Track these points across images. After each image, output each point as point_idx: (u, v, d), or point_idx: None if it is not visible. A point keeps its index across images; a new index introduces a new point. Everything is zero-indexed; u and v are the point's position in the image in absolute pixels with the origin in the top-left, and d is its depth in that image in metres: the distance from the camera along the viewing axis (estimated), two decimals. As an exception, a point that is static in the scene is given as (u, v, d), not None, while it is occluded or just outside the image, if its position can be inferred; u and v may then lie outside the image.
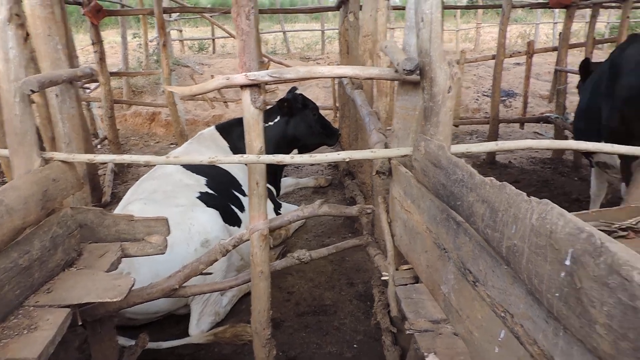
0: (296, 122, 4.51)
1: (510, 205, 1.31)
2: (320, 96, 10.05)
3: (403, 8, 10.09)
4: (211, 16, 11.30)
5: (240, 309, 3.38)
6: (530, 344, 1.25)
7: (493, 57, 6.04)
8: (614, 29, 14.96)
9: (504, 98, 9.77)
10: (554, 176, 5.94)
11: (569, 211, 2.34)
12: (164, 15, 6.13)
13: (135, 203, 3.22)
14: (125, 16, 10.67)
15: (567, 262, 1.06)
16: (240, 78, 2.04)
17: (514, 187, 1.35)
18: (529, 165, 6.46)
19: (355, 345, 3.00)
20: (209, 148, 4.09)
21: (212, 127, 4.46)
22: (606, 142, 2.92)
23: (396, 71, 1.92)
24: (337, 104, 6.61)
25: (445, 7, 6.20)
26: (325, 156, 2.03)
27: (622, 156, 2.90)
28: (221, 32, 12.91)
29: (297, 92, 4.66)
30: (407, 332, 1.74)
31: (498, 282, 1.39)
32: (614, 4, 7.53)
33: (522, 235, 1.24)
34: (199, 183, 3.64)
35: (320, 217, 4.93)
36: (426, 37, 1.74)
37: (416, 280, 2.13)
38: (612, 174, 3.56)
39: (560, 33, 5.93)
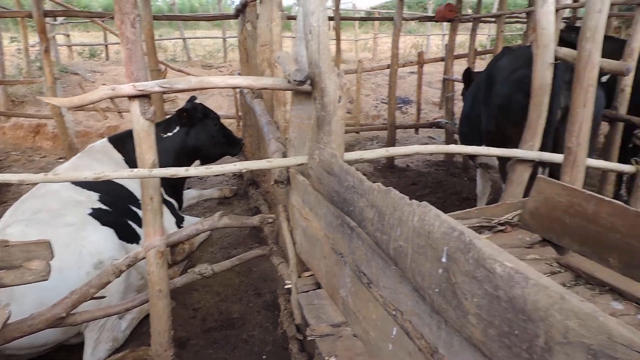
0: (197, 132, 4.39)
1: (395, 209, 1.39)
2: (223, 105, 9.89)
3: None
4: (102, 21, 10.64)
5: (141, 331, 3.20)
6: (418, 338, 1.32)
7: (388, 67, 6.37)
8: (494, 40, 16.41)
9: (400, 105, 10.32)
10: (446, 177, 6.39)
11: (460, 209, 2.53)
12: (48, 18, 5.65)
13: (14, 226, 2.92)
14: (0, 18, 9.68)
15: (444, 260, 1.15)
16: (128, 88, 1.94)
17: (398, 192, 1.44)
18: (425, 168, 6.89)
19: (264, 357, 2.98)
20: (101, 162, 3.84)
21: (105, 139, 4.20)
22: (486, 145, 3.22)
23: (289, 82, 1.95)
24: (240, 113, 6.55)
25: (342, 18, 6.43)
26: (221, 167, 2.00)
27: (499, 158, 3.20)
28: (115, 37, 12.19)
29: (197, 101, 4.55)
30: (309, 338, 1.77)
31: (388, 282, 1.46)
32: (491, 19, 8.31)
33: (406, 236, 1.32)
34: (91, 199, 3.40)
35: (226, 228, 4.85)
36: (315, 48, 1.79)
37: (318, 286, 2.17)
38: (494, 173, 3.92)
39: (446, 45, 6.42)
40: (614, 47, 5.19)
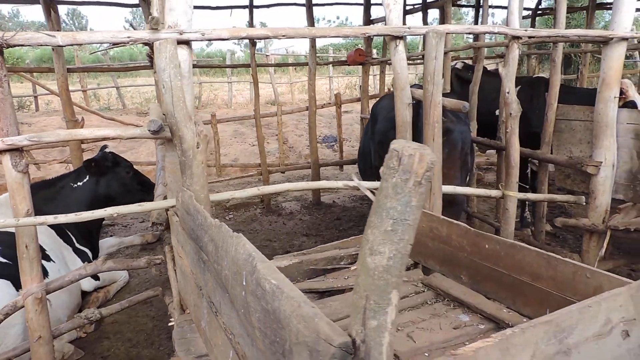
0: (108, 181, 4.44)
1: (224, 241, 1.55)
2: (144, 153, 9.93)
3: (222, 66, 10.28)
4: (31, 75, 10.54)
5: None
6: (243, 357, 1.46)
7: (307, 109, 6.69)
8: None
9: (332, 143, 10.70)
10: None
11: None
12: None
13: None
14: None
15: (244, 283, 1.31)
16: (-3, 143, 2.04)
17: (227, 227, 1.60)
18: (350, 203, 7.15)
19: (168, 399, 2.99)
20: (4, 214, 3.80)
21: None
22: (376, 179, 3.48)
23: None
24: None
25: (259, 65, 6.73)
26: (91, 213, 2.11)
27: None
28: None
29: (108, 150, 4.61)
30: (174, 370, 1.86)
31: (226, 309, 1.61)
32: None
33: (229, 265, 1.48)
34: (-9, 253, 3.36)
35: (147, 273, 4.83)
36: (169, 101, 1.97)
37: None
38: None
39: (360, 86, 6.85)
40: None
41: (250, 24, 6.19)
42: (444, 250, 2.46)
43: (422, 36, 2.76)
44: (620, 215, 3.38)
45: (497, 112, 4.77)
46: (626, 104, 4.73)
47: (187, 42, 2.23)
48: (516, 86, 5.65)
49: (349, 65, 6.68)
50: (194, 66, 8.76)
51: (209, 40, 2.21)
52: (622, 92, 4.75)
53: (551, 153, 3.99)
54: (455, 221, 2.40)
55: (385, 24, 2.60)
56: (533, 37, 3.05)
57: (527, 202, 5.30)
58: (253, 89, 6.88)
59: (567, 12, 11.34)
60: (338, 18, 52.22)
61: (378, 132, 3.38)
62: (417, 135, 2.90)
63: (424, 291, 2.46)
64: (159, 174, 2.97)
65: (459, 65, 6.39)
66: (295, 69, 20.13)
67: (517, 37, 2.89)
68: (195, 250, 1.93)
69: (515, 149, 3.06)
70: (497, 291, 2.18)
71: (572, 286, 1.81)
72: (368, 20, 6.53)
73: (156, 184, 2.78)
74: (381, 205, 0.85)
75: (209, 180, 8.10)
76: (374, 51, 8.04)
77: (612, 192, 3.41)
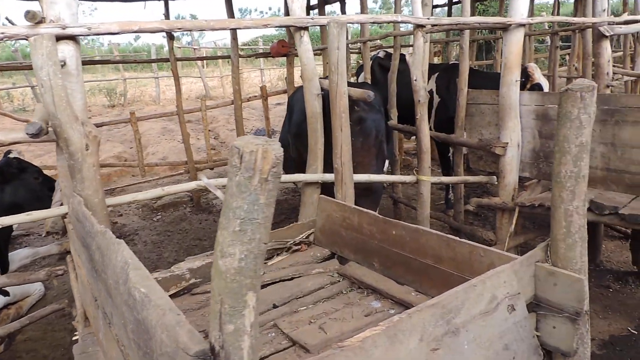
0: (14, 189, 4.11)
1: (108, 249, 1.46)
2: (114, 150, 9.40)
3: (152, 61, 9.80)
4: None
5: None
6: (133, 370, 1.39)
7: (232, 103, 6.55)
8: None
9: (264, 136, 10.60)
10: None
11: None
12: None
13: None
14: None
15: (120, 292, 1.24)
16: None
17: (112, 233, 1.51)
18: (282, 195, 7.12)
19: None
20: None
21: None
22: (294, 171, 3.45)
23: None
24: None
25: (178, 59, 6.49)
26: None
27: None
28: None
29: (12, 155, 4.28)
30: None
31: (116, 319, 1.52)
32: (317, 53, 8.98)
33: (113, 273, 1.39)
34: None
35: (67, 284, 4.56)
36: (49, 101, 1.83)
37: (101, 333, 2.15)
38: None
39: (285, 77, 6.80)
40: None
41: (167, 16, 5.95)
42: (357, 239, 2.48)
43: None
44: (527, 192, 3.57)
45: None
46: (533, 86, 5.01)
47: (72, 37, 2.08)
48: (433, 73, 5.88)
49: (272, 56, 6.59)
50: (110, 62, 8.35)
51: (97, 34, 2.07)
52: (529, 76, 5.04)
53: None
54: (365, 210, 2.43)
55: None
56: (436, 25, 3.13)
57: (450, 185, 5.52)
58: (179, 83, 6.63)
59: (483, 1, 11.79)
60: (270, 9, 51.60)
61: (294, 123, 3.36)
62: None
63: (339, 281, 2.48)
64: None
65: (381, 54, 6.50)
66: (228, 62, 19.70)
67: (421, 26, 2.95)
68: (89, 258, 1.82)
69: (425, 135, 3.14)
70: (405, 275, 2.22)
71: (470, 265, 1.88)
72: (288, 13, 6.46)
73: (55, 191, 2.60)
74: (228, 205, 0.82)
75: (135, 181, 7.78)
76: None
77: (519, 170, 3.60)
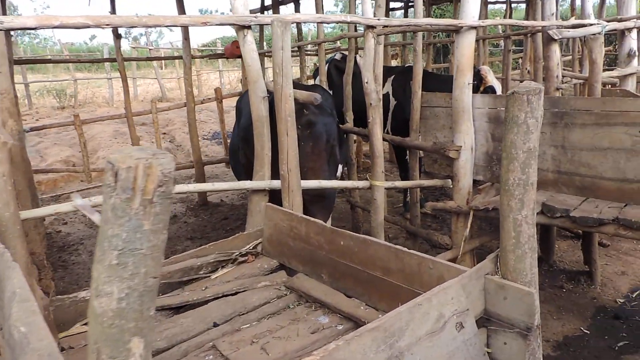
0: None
1: (4, 273, 1.26)
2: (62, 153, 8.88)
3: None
4: None
5: None
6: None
7: (185, 105, 6.31)
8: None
9: (218, 140, 10.35)
10: (258, 207, 6.48)
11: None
12: None
13: None
14: None
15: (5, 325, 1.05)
16: None
17: (9, 255, 1.31)
18: (239, 201, 6.91)
19: None
20: None
21: None
22: (245, 177, 3.29)
23: None
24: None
25: (125, 59, 6.19)
26: None
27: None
28: None
29: None
30: None
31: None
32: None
33: (4, 303, 1.20)
34: None
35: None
36: (-55, 104, 1.60)
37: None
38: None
39: (241, 79, 6.62)
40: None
41: (113, 13, 5.65)
42: (305, 250, 2.35)
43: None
44: (481, 196, 3.54)
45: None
46: (486, 89, 5.03)
47: (-19, 33, 1.86)
48: (389, 75, 5.83)
49: (227, 58, 6.39)
50: (50, 61, 7.89)
51: (11, 29, 1.85)
52: (482, 78, 5.05)
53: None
54: (312, 219, 2.30)
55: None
56: (387, 26, 3.04)
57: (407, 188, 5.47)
58: (136, 85, 6.34)
59: (439, 3, 11.93)
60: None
61: (242, 127, 3.20)
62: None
63: (286, 294, 2.33)
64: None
65: (338, 56, 6.41)
66: (177, 64, 19.15)
67: (372, 27, 2.85)
68: (-6, 283, 1.61)
69: (378, 139, 3.05)
70: (355, 288, 2.11)
71: (419, 277, 1.78)
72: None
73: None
74: (103, 234, 0.66)
75: (82, 187, 7.37)
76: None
77: (473, 174, 3.57)
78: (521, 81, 8.43)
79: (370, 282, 2.00)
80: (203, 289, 2.38)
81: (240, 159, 3.36)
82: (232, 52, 6.23)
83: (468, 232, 3.46)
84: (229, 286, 2.38)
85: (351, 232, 2.07)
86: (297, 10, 5.55)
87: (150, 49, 16.69)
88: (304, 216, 2.33)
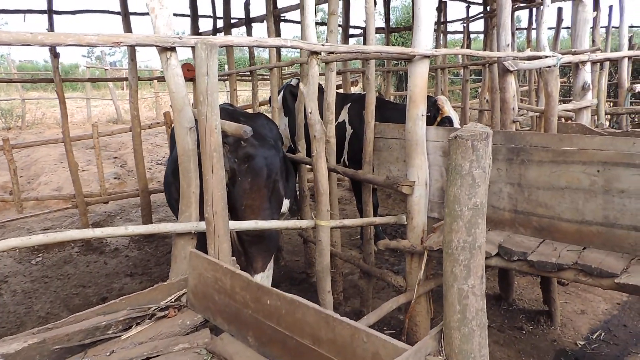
0: None
1: None
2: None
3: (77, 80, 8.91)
4: None
5: None
6: None
7: (130, 130, 5.91)
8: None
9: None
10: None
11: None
12: None
13: None
14: None
15: None
16: None
17: None
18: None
19: None
20: None
21: None
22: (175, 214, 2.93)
23: None
24: None
25: (64, 80, 5.73)
26: None
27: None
28: None
29: None
30: None
31: None
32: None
33: None
34: None
35: None
36: None
37: None
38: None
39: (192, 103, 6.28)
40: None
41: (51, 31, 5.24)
42: (230, 306, 2.03)
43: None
44: (436, 235, 3.30)
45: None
46: (443, 119, 4.89)
47: None
48: (346, 103, 5.63)
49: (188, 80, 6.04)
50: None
51: None
52: (439, 109, 4.91)
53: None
54: (238, 271, 1.98)
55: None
56: (332, 52, 2.82)
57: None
58: (90, 107, 5.89)
59: (401, 32, 12.06)
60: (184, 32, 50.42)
61: (174, 160, 2.87)
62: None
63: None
64: None
65: (294, 81, 6.17)
66: (150, 84, 18.53)
67: (316, 53, 2.61)
68: None
69: (322, 175, 2.78)
70: (283, 356, 1.79)
71: (352, 351, 1.48)
72: (196, 33, 6.01)
73: None
74: None
75: (18, 216, 6.78)
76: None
77: (428, 210, 3.34)
78: (480, 111, 8.44)
79: (298, 351, 1.69)
80: (107, 354, 2.00)
81: (174, 193, 3.02)
82: (184, 75, 5.89)
83: (422, 273, 3.21)
84: (139, 350, 2.02)
85: (278, 291, 1.76)
86: (249, 33, 5.32)
87: (106, 69, 16.08)
88: (229, 267, 2.01)
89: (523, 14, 20.74)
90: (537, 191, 2.84)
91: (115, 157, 10.40)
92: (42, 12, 5.24)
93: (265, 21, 4.82)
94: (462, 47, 10.25)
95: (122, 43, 2.00)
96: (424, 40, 3.09)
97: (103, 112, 16.38)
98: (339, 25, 6.68)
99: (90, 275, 5.23)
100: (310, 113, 2.68)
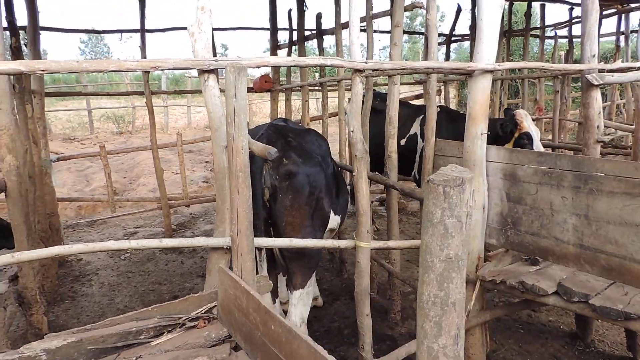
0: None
1: None
2: (68, 181, 9.22)
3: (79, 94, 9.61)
4: None
5: None
6: None
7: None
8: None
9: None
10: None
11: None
12: None
13: None
14: None
15: None
16: None
17: None
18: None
19: None
20: None
21: None
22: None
23: None
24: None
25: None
26: None
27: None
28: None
29: None
30: None
31: None
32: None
33: None
34: None
35: None
36: None
37: None
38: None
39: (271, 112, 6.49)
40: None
41: (143, 49, 5.75)
42: (246, 325, 2.04)
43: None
44: (492, 263, 3.06)
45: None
46: (521, 135, 4.51)
47: None
48: (418, 115, 5.45)
49: (255, 92, 6.30)
50: (73, 94, 8.14)
51: None
52: (517, 124, 4.55)
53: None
54: (252, 292, 1.99)
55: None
56: (377, 69, 2.73)
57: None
58: (190, 114, 6.44)
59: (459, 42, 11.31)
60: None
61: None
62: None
63: (219, 378, 2.03)
64: None
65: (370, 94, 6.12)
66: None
67: (359, 70, 2.55)
68: None
69: (363, 195, 2.70)
70: (284, 384, 1.76)
71: (337, 393, 1.41)
72: (275, 45, 6.20)
73: None
74: None
75: (114, 215, 7.50)
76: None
77: (485, 236, 3.11)
78: (580, 123, 7.67)
79: (296, 383, 1.65)
80: (134, 358, 2.12)
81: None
82: (261, 86, 6.13)
83: (472, 304, 2.99)
84: (161, 358, 2.11)
85: (281, 318, 1.74)
86: (320, 45, 5.37)
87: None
88: (246, 286, 2.03)
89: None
90: (607, 225, 2.50)
91: (207, 162, 11.06)
92: (135, 31, 5.75)
93: (334, 34, 4.84)
94: (566, 52, 9.44)
95: (160, 67, 2.11)
96: (486, 53, 2.88)
97: (203, 118, 17.55)
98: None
99: (167, 273, 5.61)
100: (352, 132, 2.63)
